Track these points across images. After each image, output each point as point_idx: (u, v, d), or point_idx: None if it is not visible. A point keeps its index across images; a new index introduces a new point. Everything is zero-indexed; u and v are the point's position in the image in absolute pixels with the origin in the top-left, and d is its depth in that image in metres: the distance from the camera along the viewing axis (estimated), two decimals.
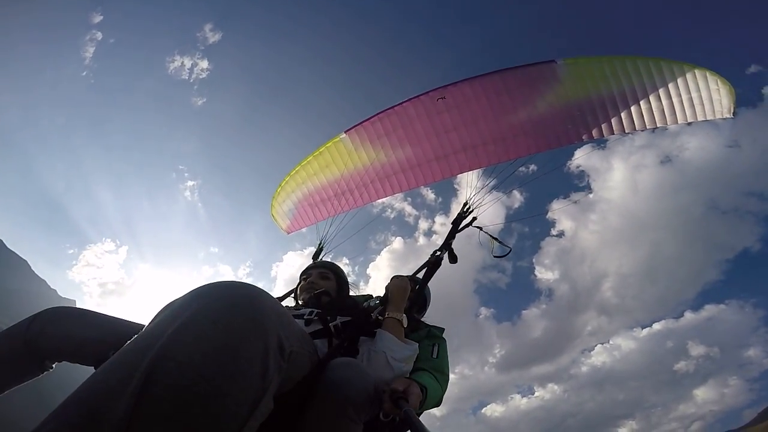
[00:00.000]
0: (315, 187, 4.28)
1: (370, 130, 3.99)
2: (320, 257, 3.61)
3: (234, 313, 0.98)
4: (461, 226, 3.35)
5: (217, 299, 1.01)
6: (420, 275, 2.94)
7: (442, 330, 2.62)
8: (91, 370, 1.60)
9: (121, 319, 1.78)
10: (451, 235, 3.22)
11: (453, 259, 3.04)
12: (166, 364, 0.86)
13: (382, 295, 2.55)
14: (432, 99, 3.89)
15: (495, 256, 3.43)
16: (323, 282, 2.61)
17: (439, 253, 2.98)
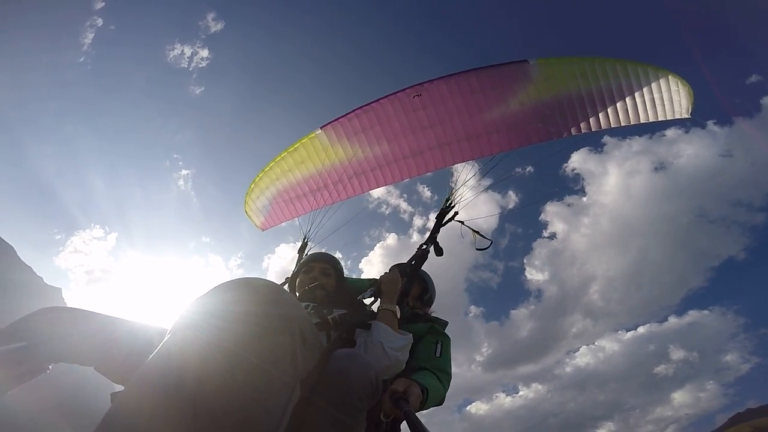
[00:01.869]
0: (290, 183, 4.22)
1: (347, 126, 3.97)
2: (306, 251, 3.59)
3: (265, 309, 1.04)
4: (444, 221, 3.46)
5: (244, 294, 1.06)
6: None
7: (444, 325, 2.68)
8: (89, 370, 1.64)
9: (119, 318, 1.76)
10: (436, 229, 3.32)
11: (439, 252, 3.12)
12: (208, 394, 0.91)
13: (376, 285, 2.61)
14: (408, 96, 3.91)
15: (477, 249, 3.54)
16: (325, 279, 2.61)
17: (425, 246, 3.08)
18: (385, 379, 1.97)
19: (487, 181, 3.93)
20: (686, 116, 4.53)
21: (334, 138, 4.01)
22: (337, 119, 3.97)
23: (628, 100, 4.35)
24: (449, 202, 3.59)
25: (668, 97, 4.37)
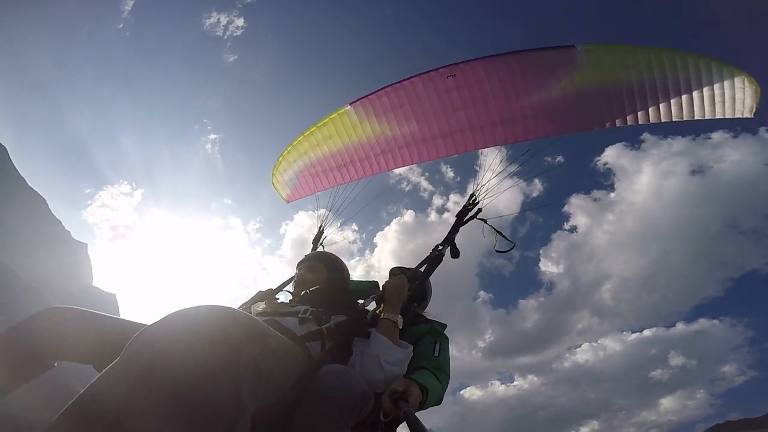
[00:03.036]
0: (317, 157, 4.24)
1: (376, 104, 3.91)
2: (321, 240, 3.55)
3: (208, 349, 1.03)
4: (466, 219, 3.29)
5: (189, 330, 1.06)
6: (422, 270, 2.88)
7: (444, 327, 2.61)
8: (89, 368, 1.69)
9: (120, 319, 1.81)
10: (455, 229, 3.16)
11: (455, 253, 3.00)
12: (145, 388, 0.95)
13: (377, 286, 2.56)
14: (442, 76, 3.78)
15: (497, 251, 3.37)
16: (311, 276, 2.56)
17: (441, 248, 2.94)
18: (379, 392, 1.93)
19: (516, 172, 3.76)
20: (749, 116, 4.16)
21: (363, 115, 3.96)
22: (367, 96, 3.91)
23: (684, 94, 4.02)
24: (473, 198, 3.41)
25: (731, 94, 4.01)
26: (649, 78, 3.94)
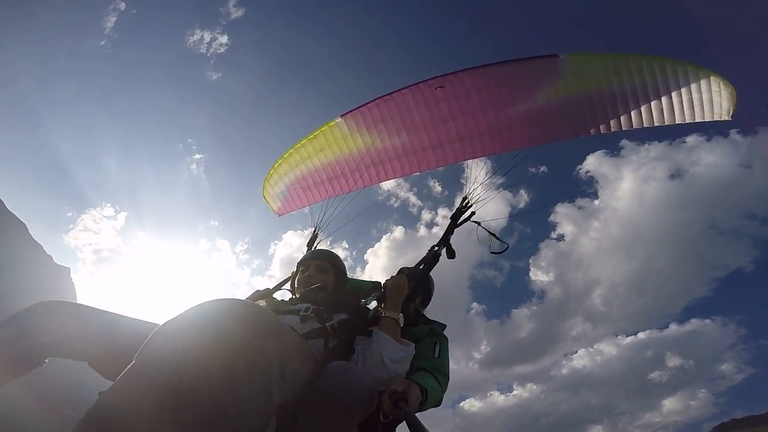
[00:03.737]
0: (308, 170, 4.24)
1: (367, 116, 3.95)
2: (315, 244, 3.56)
3: (237, 347, 1.01)
4: (460, 221, 3.33)
5: (212, 323, 1.03)
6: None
7: (443, 327, 2.62)
8: (82, 365, 1.63)
9: (114, 314, 1.76)
10: (450, 230, 3.19)
11: (451, 254, 3.02)
12: (178, 398, 0.91)
13: (379, 287, 2.57)
14: (431, 87, 3.84)
15: (492, 252, 3.41)
16: (321, 276, 2.53)
17: (436, 248, 2.97)
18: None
19: (504, 180, 3.81)
20: (727, 118, 4.29)
21: (354, 127, 3.99)
22: (357, 108, 3.95)
23: (664, 99, 4.15)
24: (466, 201, 3.45)
25: (708, 97, 4.14)
26: (630, 84, 4.05)
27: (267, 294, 2.60)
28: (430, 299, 3.01)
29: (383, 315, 2.20)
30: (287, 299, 2.58)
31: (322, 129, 4.04)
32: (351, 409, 1.52)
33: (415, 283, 2.72)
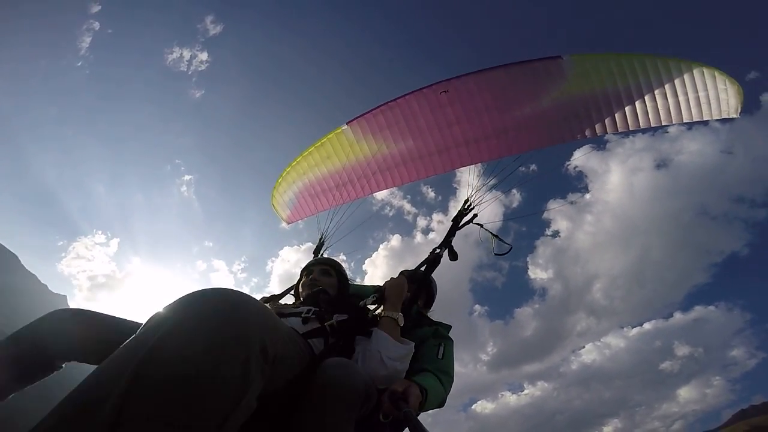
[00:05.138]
0: (316, 177, 4.28)
1: (372, 122, 3.98)
2: (321, 251, 3.62)
3: (217, 322, 1.04)
4: (462, 223, 3.33)
5: (203, 308, 1.06)
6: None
7: (448, 328, 2.62)
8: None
9: (126, 320, 1.82)
10: (452, 233, 3.21)
11: (453, 256, 3.03)
12: (152, 366, 0.93)
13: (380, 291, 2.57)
14: (435, 92, 3.87)
15: (495, 254, 3.39)
16: (325, 279, 2.61)
17: (438, 250, 2.98)
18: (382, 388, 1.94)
19: (504, 181, 3.85)
20: (734, 116, 4.27)
21: (360, 133, 4.02)
22: (363, 115, 3.98)
23: (670, 98, 4.14)
24: (467, 203, 3.47)
25: (714, 95, 4.13)
26: (635, 83, 4.05)
27: (272, 299, 2.71)
28: (433, 301, 3.03)
29: (382, 315, 2.24)
30: (291, 303, 2.66)
31: (329, 136, 4.07)
32: (346, 402, 1.53)
33: (417, 285, 2.73)
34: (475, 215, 3.40)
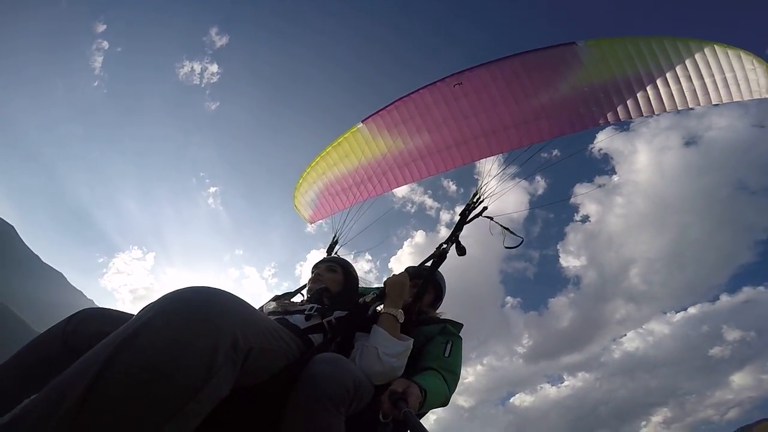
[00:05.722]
0: (335, 176, 4.33)
1: (387, 119, 4.01)
2: (335, 250, 3.65)
3: (187, 316, 1.15)
4: (470, 217, 3.27)
5: (176, 304, 1.18)
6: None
7: (459, 327, 2.59)
8: None
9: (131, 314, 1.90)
10: (459, 227, 3.14)
11: (461, 251, 2.96)
12: (123, 353, 1.05)
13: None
14: (448, 85, 3.89)
15: (506, 247, 3.31)
16: (329, 275, 2.69)
17: (444, 245, 2.93)
18: (381, 384, 1.97)
19: (518, 170, 3.76)
20: (766, 96, 4.09)
21: (375, 130, 4.06)
22: (378, 112, 4.03)
23: (695, 80, 4.01)
24: (476, 196, 3.40)
25: (743, 75, 3.98)
26: (657, 67, 3.96)
27: (283, 297, 2.76)
28: (441, 297, 2.96)
29: (382, 311, 2.25)
30: (298, 301, 2.70)
31: (345, 136, 4.13)
32: (332, 396, 1.55)
33: (423, 281, 2.67)
34: (485, 207, 3.33)
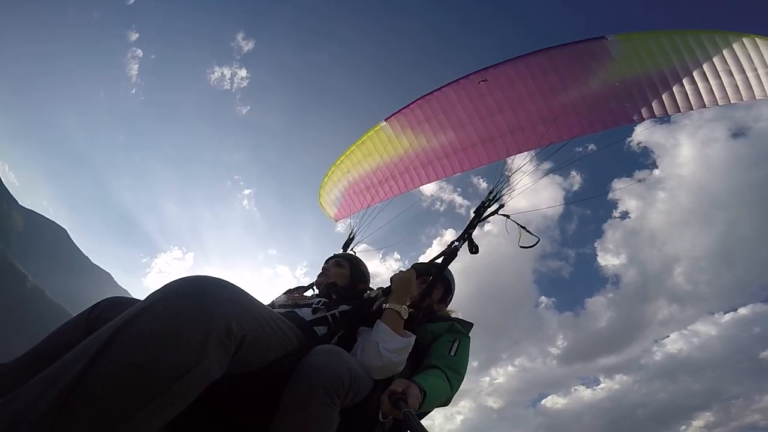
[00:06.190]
0: (359, 175, 4.33)
1: (410, 117, 4.00)
2: (351, 246, 3.65)
3: (182, 302, 1.19)
4: (484, 215, 3.18)
5: (173, 292, 1.23)
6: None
7: (468, 326, 2.55)
8: None
9: None
10: (472, 225, 3.05)
11: (473, 249, 2.87)
12: (118, 336, 1.10)
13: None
14: (473, 82, 3.84)
15: (522, 247, 3.17)
16: (336, 269, 2.75)
17: (456, 243, 2.85)
18: (382, 379, 1.99)
19: (539, 167, 3.66)
20: None
21: (399, 129, 4.05)
22: (401, 110, 4.02)
23: (736, 74, 3.81)
24: (492, 194, 3.30)
25: None
26: (694, 61, 3.79)
27: (296, 290, 2.80)
28: (450, 295, 2.91)
29: (386, 307, 2.24)
30: (310, 295, 2.78)
31: (369, 134, 4.14)
32: (327, 386, 1.56)
33: (432, 278, 2.62)
34: (501, 206, 3.22)
